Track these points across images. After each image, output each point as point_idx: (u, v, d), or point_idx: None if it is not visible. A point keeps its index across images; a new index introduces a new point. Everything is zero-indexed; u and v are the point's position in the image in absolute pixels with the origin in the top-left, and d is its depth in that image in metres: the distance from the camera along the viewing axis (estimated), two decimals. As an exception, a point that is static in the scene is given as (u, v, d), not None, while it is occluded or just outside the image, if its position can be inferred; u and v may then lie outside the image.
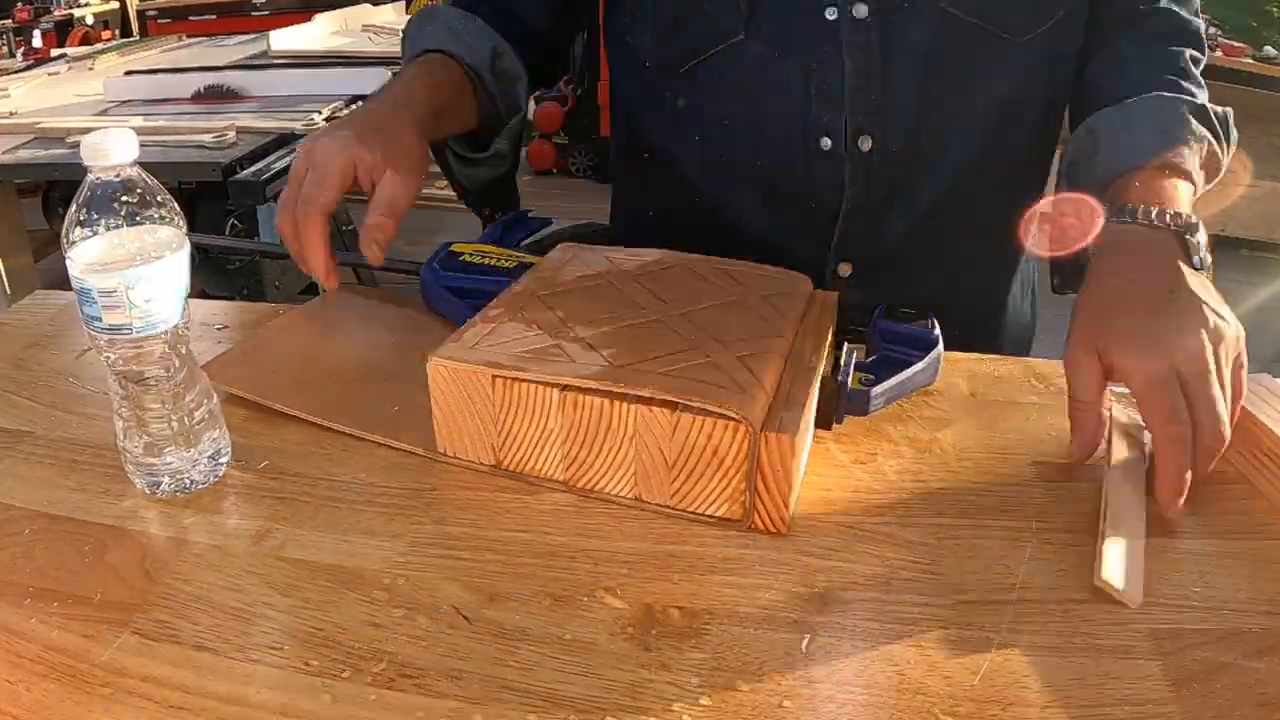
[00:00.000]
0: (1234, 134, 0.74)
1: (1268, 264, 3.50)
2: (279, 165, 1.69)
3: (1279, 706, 0.40)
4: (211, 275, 1.89)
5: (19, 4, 4.18)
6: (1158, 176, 0.66)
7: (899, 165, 0.75)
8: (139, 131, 1.89)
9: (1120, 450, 0.57)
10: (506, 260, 0.72)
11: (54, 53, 2.94)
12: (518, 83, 0.83)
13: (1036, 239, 0.79)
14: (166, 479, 0.53)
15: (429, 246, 0.74)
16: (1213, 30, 3.73)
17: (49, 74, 2.44)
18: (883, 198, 0.76)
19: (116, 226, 0.48)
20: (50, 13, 4.18)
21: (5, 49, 3.59)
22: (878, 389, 0.58)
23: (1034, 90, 0.76)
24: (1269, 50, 3.67)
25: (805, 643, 0.44)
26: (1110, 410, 0.58)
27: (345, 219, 2.29)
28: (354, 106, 2.01)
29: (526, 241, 0.77)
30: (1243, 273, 3.43)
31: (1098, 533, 0.50)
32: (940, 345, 0.62)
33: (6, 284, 1.91)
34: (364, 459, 0.57)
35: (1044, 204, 0.78)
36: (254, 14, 4.17)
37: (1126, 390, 0.54)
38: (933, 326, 0.64)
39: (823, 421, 0.58)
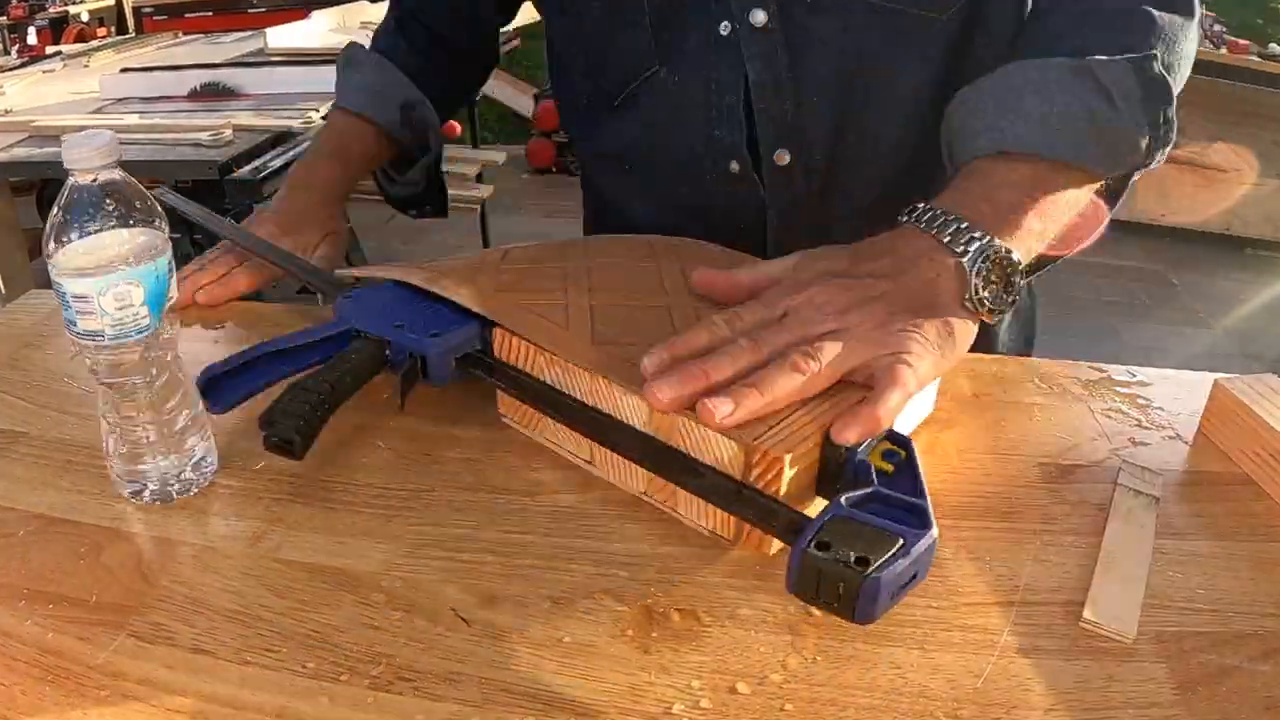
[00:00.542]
0: (1172, 88, 0.58)
1: (1273, 263, 3.51)
2: (276, 163, 1.69)
3: (1284, 710, 0.40)
4: (208, 274, 1.88)
5: (13, 1, 4.16)
6: (994, 173, 0.56)
7: (825, 173, 0.72)
8: (134, 130, 1.89)
9: (1125, 497, 0.54)
10: None
11: (49, 50, 2.93)
12: (430, 130, 0.91)
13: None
14: (150, 486, 0.52)
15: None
16: (1218, 28, 3.74)
17: (44, 71, 2.44)
18: (814, 208, 0.74)
19: (94, 231, 0.47)
20: (45, 9, 4.16)
21: (0, 46, 3.58)
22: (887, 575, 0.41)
23: (962, 71, 0.67)
24: (1274, 48, 3.67)
25: (806, 645, 0.44)
26: (1120, 464, 0.57)
27: (343, 218, 2.28)
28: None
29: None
30: (1247, 272, 3.43)
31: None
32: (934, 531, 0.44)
33: (1, 283, 1.91)
34: (361, 460, 0.56)
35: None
36: (251, 11, 4.16)
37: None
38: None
39: (824, 489, 0.50)
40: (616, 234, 0.74)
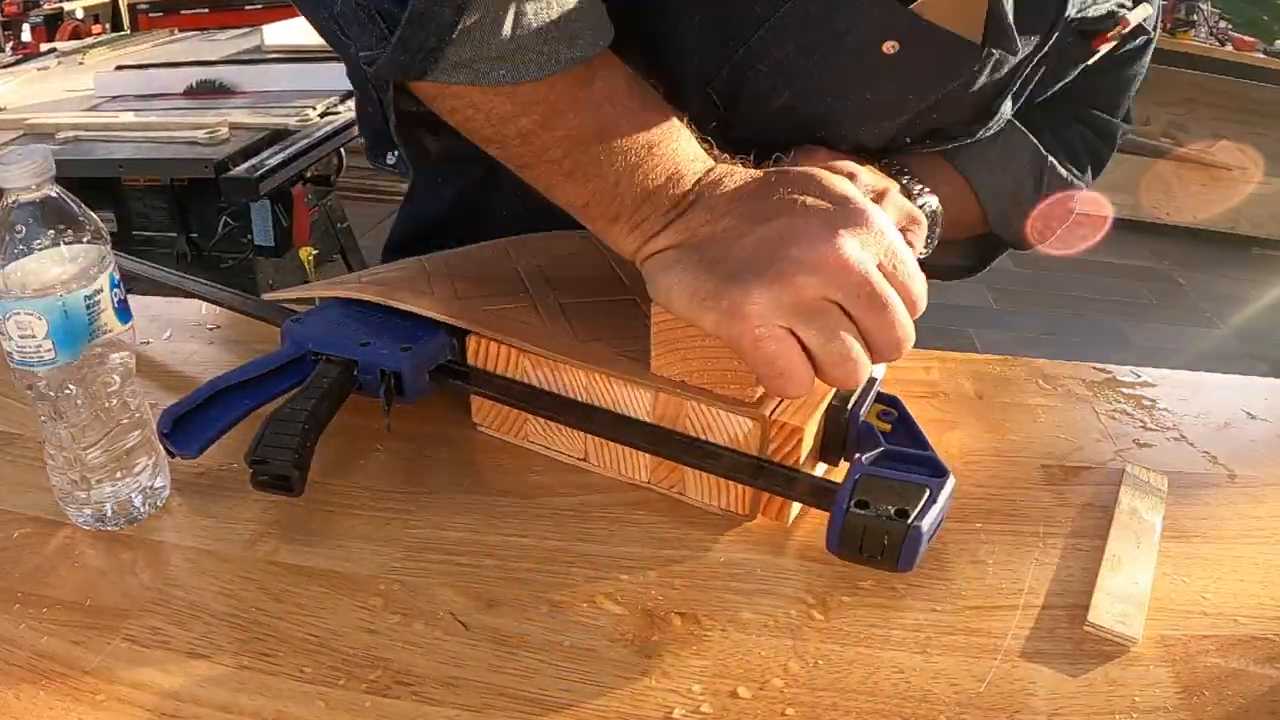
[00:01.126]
0: (1066, 194, 0.70)
1: (1278, 263, 3.49)
2: (272, 162, 1.68)
3: (1290, 714, 0.40)
4: (204, 274, 1.88)
5: (8, -3, 4.14)
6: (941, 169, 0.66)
7: None
8: (129, 128, 1.88)
9: (1129, 499, 0.54)
10: None
11: (44, 47, 2.92)
12: None
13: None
14: (87, 511, 0.50)
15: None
16: (1223, 24, 3.73)
17: (38, 69, 2.43)
18: None
19: (17, 255, 0.45)
20: (40, 6, 4.14)
21: (-5, 43, 3.56)
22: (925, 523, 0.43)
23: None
24: (1280, 45, 3.65)
25: (808, 649, 0.43)
26: (1125, 466, 0.57)
27: (340, 216, 2.28)
28: (349, 102, 2.00)
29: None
30: (1254, 271, 3.42)
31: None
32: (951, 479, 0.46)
33: None
34: (358, 463, 0.56)
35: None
36: (247, 8, 4.14)
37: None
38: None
39: (832, 455, 0.52)
40: (532, 232, 0.69)
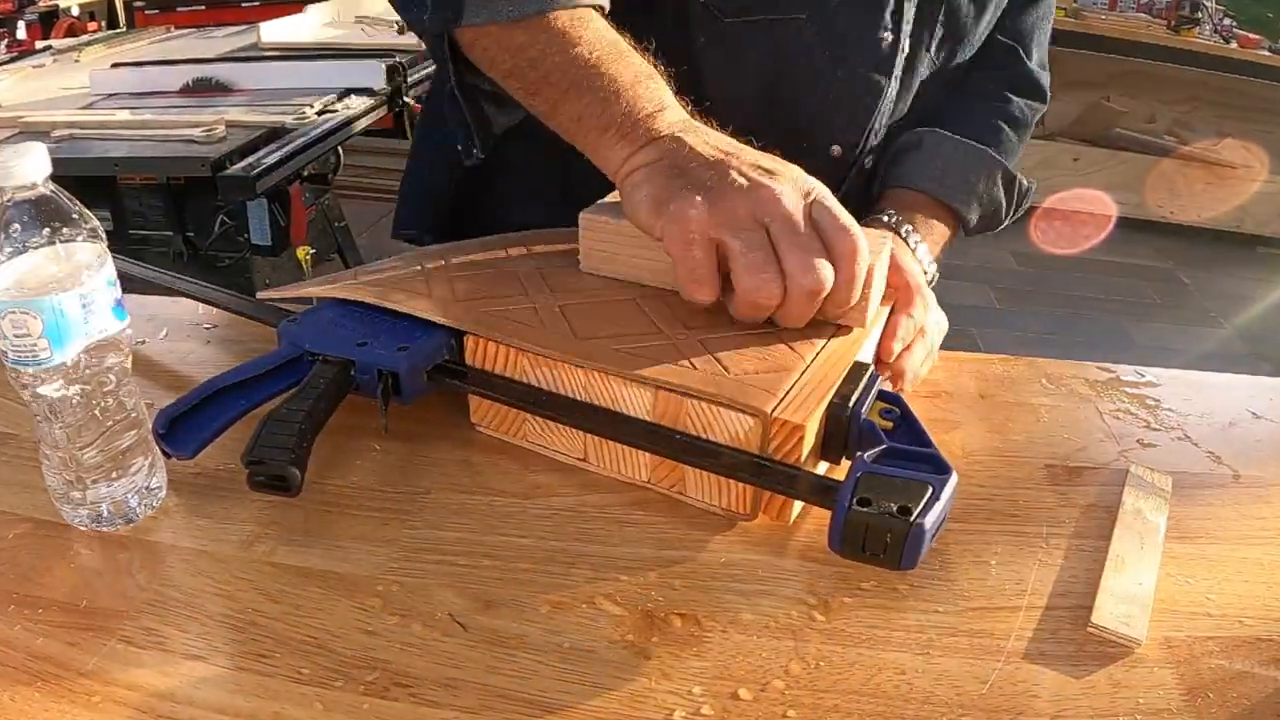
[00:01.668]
0: (1027, 202, 0.79)
1: (1284, 261, 3.46)
2: (269, 160, 1.67)
3: (1295, 716, 0.40)
4: (201, 274, 1.88)
5: (3, -5, 4.13)
6: (931, 207, 0.73)
7: None
8: (126, 126, 1.87)
9: (1133, 500, 0.54)
10: None
11: (39, 44, 2.91)
12: None
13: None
14: (83, 511, 0.50)
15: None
16: (1228, 22, 3.73)
17: (33, 66, 2.42)
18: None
19: (13, 253, 0.44)
20: (35, 3, 4.13)
21: (-10, 41, 3.55)
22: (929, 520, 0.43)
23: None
24: (1286, 43, 3.64)
25: (809, 650, 0.43)
26: (1129, 466, 0.56)
27: (337, 215, 2.27)
28: (346, 100, 1.99)
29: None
30: (1259, 270, 3.41)
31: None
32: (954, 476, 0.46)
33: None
34: (356, 463, 0.56)
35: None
36: (244, 5, 4.13)
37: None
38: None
39: (833, 453, 0.52)
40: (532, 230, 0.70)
